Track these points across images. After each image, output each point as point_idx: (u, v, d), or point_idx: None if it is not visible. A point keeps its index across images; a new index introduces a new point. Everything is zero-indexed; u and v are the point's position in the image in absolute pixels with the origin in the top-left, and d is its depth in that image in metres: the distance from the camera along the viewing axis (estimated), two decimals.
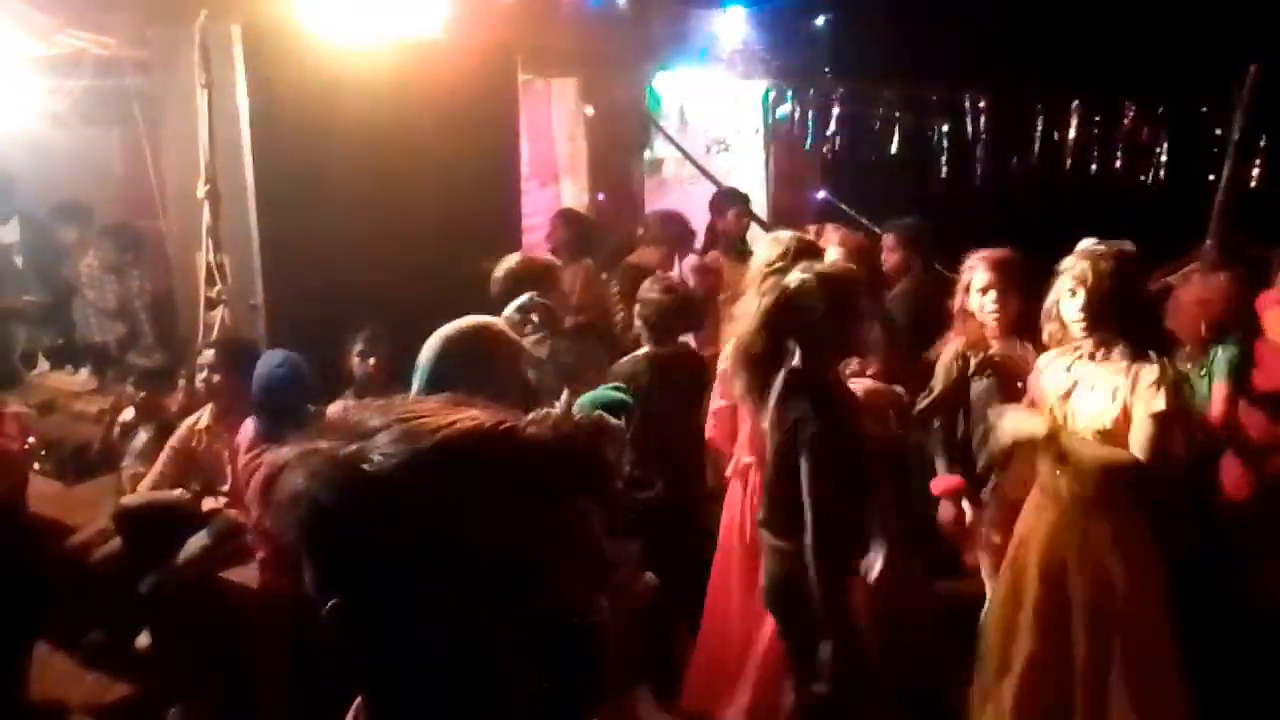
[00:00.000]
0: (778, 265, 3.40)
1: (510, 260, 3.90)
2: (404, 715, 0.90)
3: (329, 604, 0.85)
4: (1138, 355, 2.87)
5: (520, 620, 0.86)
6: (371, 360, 4.02)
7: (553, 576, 0.87)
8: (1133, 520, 2.96)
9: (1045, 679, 3.00)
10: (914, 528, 3.42)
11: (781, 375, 2.93)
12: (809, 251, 3.55)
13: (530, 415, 0.90)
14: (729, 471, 3.64)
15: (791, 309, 2.88)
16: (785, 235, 3.68)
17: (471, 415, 0.88)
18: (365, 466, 0.84)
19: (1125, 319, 2.89)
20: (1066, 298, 2.94)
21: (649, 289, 3.91)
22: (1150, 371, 2.82)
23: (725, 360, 3.54)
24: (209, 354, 4.00)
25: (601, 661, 0.94)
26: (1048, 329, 3.06)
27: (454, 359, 2.34)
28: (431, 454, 0.84)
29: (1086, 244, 3.02)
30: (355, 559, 0.85)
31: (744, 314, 3.44)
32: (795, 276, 2.92)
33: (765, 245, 3.63)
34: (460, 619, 0.85)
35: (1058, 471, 3.00)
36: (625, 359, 3.90)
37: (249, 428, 3.66)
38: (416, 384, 2.36)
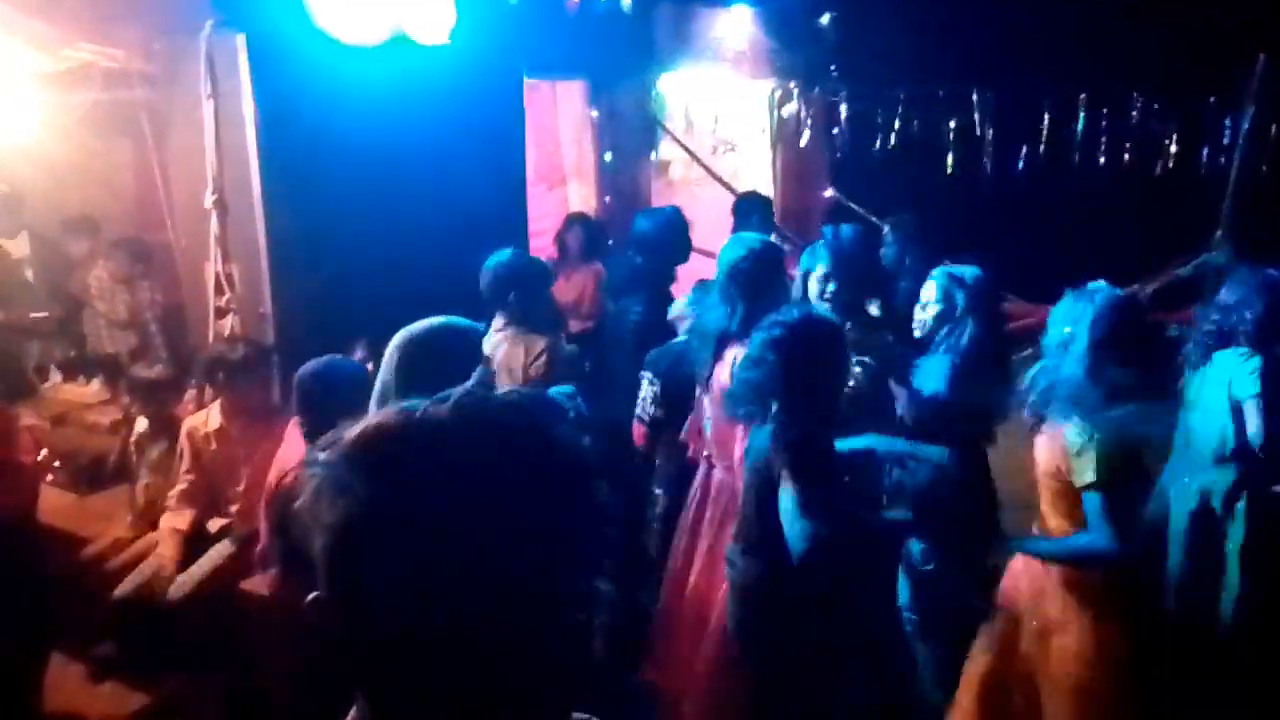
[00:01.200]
0: (741, 267, 3.40)
1: (502, 256, 3.69)
2: (394, 712, 0.91)
3: (309, 599, 0.89)
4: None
5: (500, 613, 0.86)
6: (370, 367, 4.00)
7: (516, 565, 0.86)
8: (1103, 600, 2.79)
9: None
10: None
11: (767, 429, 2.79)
12: (773, 256, 3.53)
13: (434, 397, 0.91)
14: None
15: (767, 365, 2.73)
16: (750, 237, 3.67)
17: (393, 409, 0.91)
18: (324, 469, 0.89)
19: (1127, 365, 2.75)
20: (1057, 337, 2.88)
21: None
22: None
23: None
24: (236, 350, 3.99)
25: (591, 656, 0.93)
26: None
27: (416, 358, 2.34)
28: (350, 449, 0.88)
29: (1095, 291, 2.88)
30: (328, 557, 0.88)
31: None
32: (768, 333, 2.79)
33: (730, 246, 3.57)
34: (427, 611, 0.85)
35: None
36: None
37: (296, 439, 3.58)
38: (379, 383, 2.35)
